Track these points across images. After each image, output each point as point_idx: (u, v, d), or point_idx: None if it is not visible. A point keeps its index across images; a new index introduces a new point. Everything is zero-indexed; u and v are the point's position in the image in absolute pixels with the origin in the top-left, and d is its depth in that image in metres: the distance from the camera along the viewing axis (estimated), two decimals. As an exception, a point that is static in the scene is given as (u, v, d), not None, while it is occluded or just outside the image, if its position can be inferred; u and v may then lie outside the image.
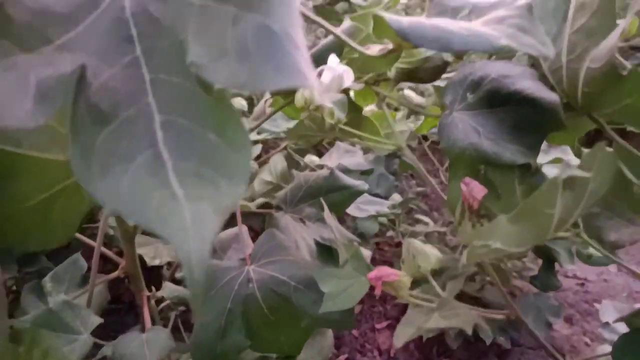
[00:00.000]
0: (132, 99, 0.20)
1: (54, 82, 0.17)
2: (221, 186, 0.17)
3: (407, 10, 1.74)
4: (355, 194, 0.67)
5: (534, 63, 0.39)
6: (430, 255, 0.38)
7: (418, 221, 1.53)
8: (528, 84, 0.34)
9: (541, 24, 0.38)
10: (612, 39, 0.29)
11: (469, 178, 0.36)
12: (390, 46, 0.28)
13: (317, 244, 0.61)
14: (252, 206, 0.56)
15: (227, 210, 0.17)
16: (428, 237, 1.33)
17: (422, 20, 0.24)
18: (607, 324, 0.68)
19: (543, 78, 0.38)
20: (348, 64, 0.43)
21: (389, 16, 0.24)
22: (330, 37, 0.43)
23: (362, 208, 0.95)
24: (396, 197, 1.46)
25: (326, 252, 0.60)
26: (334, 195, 0.66)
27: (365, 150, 1.03)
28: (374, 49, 0.28)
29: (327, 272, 0.40)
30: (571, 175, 0.24)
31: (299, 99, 0.40)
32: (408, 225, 1.43)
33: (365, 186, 0.69)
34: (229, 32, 0.18)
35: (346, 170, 0.81)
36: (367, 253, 0.52)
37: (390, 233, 1.46)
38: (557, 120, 0.32)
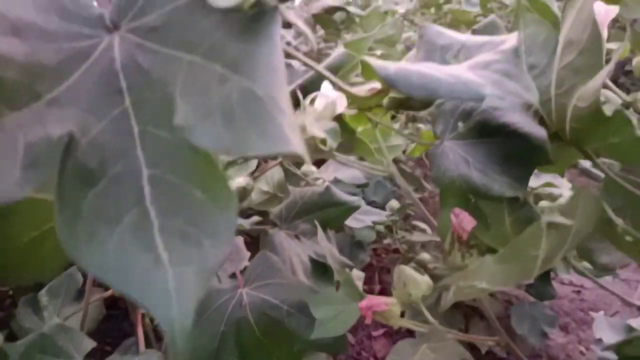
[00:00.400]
0: (121, 153, 0.20)
1: (42, 148, 0.17)
2: (205, 247, 0.17)
3: (406, 17, 1.74)
4: (351, 209, 0.68)
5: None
6: (421, 282, 0.39)
7: (415, 227, 1.53)
8: (517, 118, 0.35)
9: (531, 55, 0.39)
10: (598, 80, 0.29)
11: (458, 209, 0.36)
12: (379, 86, 0.28)
13: (312, 260, 0.61)
14: (246, 224, 0.57)
15: (211, 272, 0.17)
16: (425, 247, 1.33)
17: (408, 67, 0.25)
18: (600, 340, 0.68)
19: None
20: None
21: (376, 63, 0.25)
22: (326, 62, 0.43)
23: (359, 219, 0.96)
24: (394, 204, 1.46)
25: (321, 269, 0.60)
26: (330, 211, 0.67)
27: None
28: (362, 89, 0.29)
29: (319, 297, 0.41)
30: (554, 222, 0.24)
31: (292, 125, 0.40)
32: (406, 232, 1.44)
33: (361, 202, 0.69)
34: (215, 91, 0.19)
35: (342, 184, 0.81)
36: (359, 275, 0.53)
37: (387, 240, 1.47)
38: (544, 156, 0.33)
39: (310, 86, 0.44)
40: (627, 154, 0.30)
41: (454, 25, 2.05)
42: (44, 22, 0.21)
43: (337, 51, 0.43)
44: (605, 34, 0.45)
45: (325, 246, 0.46)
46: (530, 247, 0.26)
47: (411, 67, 0.25)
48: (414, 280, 0.38)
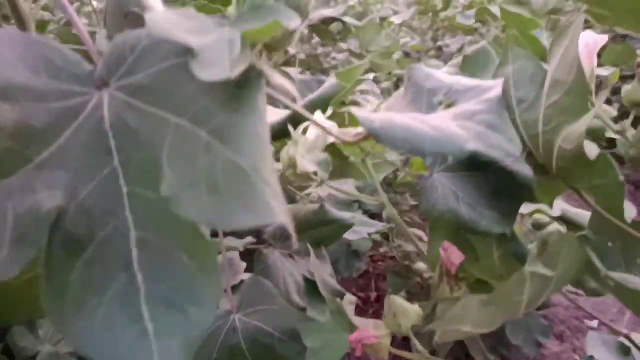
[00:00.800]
0: (110, 215, 0.20)
1: (31, 222, 0.18)
2: (191, 315, 0.18)
3: (402, 28, 1.75)
4: (345, 227, 0.68)
5: (513, 125, 0.40)
6: (411, 312, 0.39)
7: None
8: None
9: (519, 89, 0.39)
10: (582, 125, 0.29)
11: (447, 243, 0.37)
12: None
13: (306, 280, 0.62)
14: (240, 245, 0.57)
15: (196, 341, 0.18)
16: (422, 256, 1.34)
17: (393, 119, 0.25)
18: (591, 357, 0.69)
19: (521, 141, 0.39)
20: (333, 118, 0.44)
21: (361, 116, 0.25)
22: (315, 94, 0.43)
23: (355, 230, 0.96)
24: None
25: (314, 289, 0.61)
26: (324, 229, 0.67)
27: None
28: (349, 134, 0.29)
29: (310, 325, 0.41)
30: (536, 272, 0.25)
31: (283, 157, 0.40)
32: (403, 242, 1.44)
33: (355, 219, 0.70)
34: (201, 160, 0.19)
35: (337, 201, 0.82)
36: (352, 300, 0.53)
37: (384, 249, 1.47)
38: (530, 194, 0.33)
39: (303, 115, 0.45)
40: (610, 196, 0.31)
41: (452, 31, 2.05)
42: (34, 82, 0.22)
43: (329, 81, 0.43)
44: (595, 61, 0.46)
45: (317, 273, 0.46)
46: (514, 294, 0.26)
47: (396, 120, 0.25)
48: (404, 311, 0.39)
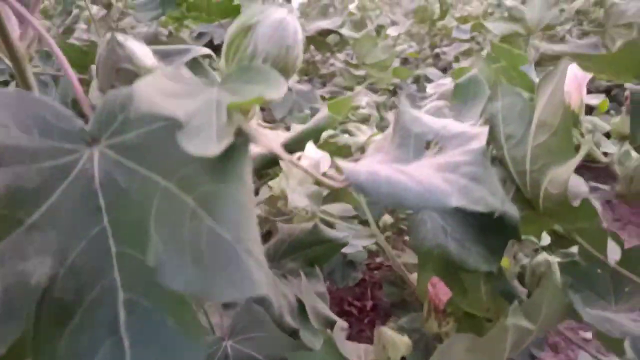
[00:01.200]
0: (98, 276, 0.21)
1: (20, 295, 0.18)
2: (176, 381, 0.18)
3: (397, 42, 1.75)
4: (339, 246, 0.69)
5: (501, 160, 0.41)
6: (400, 344, 0.40)
7: (407, 243, 1.54)
8: (492, 193, 0.36)
9: (508, 125, 0.40)
10: (567, 172, 0.30)
11: (435, 278, 0.37)
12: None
13: (299, 301, 0.62)
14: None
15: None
16: (417, 266, 1.34)
17: (378, 172, 0.26)
18: (582, 375, 0.69)
19: (509, 176, 0.39)
20: (324, 148, 0.45)
21: (347, 168, 0.26)
22: (306, 126, 0.44)
23: (352, 243, 0.97)
24: (387, 219, 1.47)
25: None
26: (318, 248, 0.68)
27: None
28: (338, 180, 0.30)
29: (300, 355, 0.42)
30: (518, 325, 0.25)
31: (275, 189, 0.41)
32: (400, 252, 1.44)
33: (349, 238, 0.70)
34: (186, 227, 0.20)
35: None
36: (343, 325, 0.54)
37: (380, 258, 1.48)
38: (516, 234, 0.34)
39: (295, 145, 0.45)
40: (594, 239, 0.31)
41: (449, 37, 2.06)
42: (26, 143, 0.22)
43: (320, 113, 0.44)
44: (584, 92, 0.46)
45: (308, 302, 0.47)
46: (497, 343, 0.27)
47: (381, 173, 0.26)
48: (393, 343, 0.39)
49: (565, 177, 0.30)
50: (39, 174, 0.22)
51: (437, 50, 2.09)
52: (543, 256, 0.45)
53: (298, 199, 0.38)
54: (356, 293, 1.54)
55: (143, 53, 0.25)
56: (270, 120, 1.43)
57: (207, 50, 0.50)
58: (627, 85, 0.47)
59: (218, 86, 0.23)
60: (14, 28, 0.34)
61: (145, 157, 0.22)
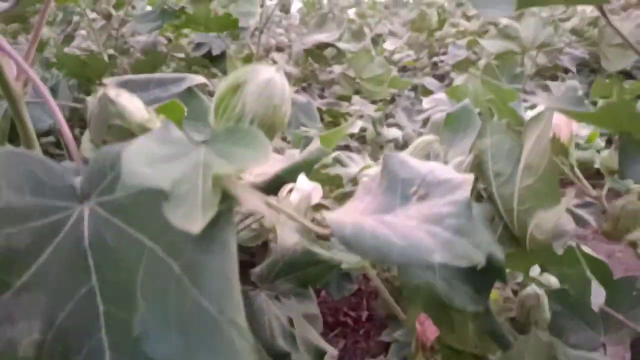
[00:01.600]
0: (85, 336, 0.21)
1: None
2: None
3: (393, 57, 1.76)
4: (333, 267, 0.69)
5: (490, 196, 0.41)
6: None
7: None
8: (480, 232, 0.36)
9: (496, 163, 0.40)
10: (552, 220, 0.30)
11: (423, 316, 0.38)
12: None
13: (291, 323, 0.63)
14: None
15: None
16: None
17: (364, 225, 0.26)
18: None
19: (498, 213, 0.40)
20: (316, 179, 0.45)
21: (333, 221, 0.26)
22: (298, 158, 0.44)
23: (346, 260, 0.97)
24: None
25: (300, 331, 0.62)
26: (311, 269, 0.68)
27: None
28: (327, 230, 0.30)
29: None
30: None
31: (266, 224, 0.41)
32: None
33: (342, 259, 0.71)
34: (172, 294, 0.20)
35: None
36: (333, 354, 0.54)
37: (376, 270, 1.48)
38: (501, 276, 0.34)
39: (287, 177, 0.46)
40: (576, 285, 0.32)
41: (447, 46, 2.06)
42: (18, 202, 0.23)
43: (313, 145, 0.44)
44: (573, 125, 0.47)
45: (299, 331, 0.47)
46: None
47: (366, 226, 0.26)
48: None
49: (549, 226, 0.30)
50: (30, 233, 0.23)
51: (435, 58, 2.10)
52: (532, 288, 0.46)
53: (288, 236, 0.38)
54: (352, 303, 1.55)
55: (134, 107, 0.26)
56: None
57: (202, 79, 0.51)
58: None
59: (206, 146, 0.24)
60: (10, 69, 0.35)
61: (134, 217, 0.23)
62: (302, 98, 1.30)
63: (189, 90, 0.49)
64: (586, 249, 0.58)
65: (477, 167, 0.42)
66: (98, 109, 0.25)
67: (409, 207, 0.31)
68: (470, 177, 0.31)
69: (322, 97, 1.67)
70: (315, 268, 0.69)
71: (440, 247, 0.26)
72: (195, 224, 0.19)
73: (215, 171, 0.20)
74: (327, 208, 0.47)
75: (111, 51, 1.45)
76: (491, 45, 0.97)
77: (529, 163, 0.35)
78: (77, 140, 0.30)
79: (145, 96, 0.49)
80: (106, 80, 0.47)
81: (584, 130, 0.52)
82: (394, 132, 1.23)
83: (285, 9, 1.26)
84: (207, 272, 0.20)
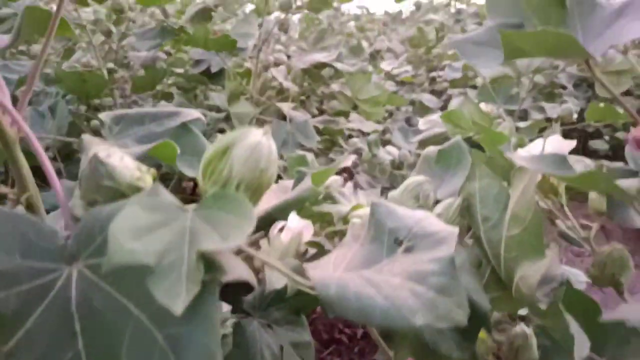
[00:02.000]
0: (71, 402, 0.22)
1: None
2: None
3: (392, 71, 1.77)
4: (325, 294, 0.70)
5: (478, 238, 0.42)
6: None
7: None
8: (467, 280, 0.37)
9: (484, 207, 0.41)
10: (537, 275, 0.31)
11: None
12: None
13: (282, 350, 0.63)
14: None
15: None
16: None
17: (348, 285, 0.27)
18: None
19: (485, 256, 0.40)
20: (307, 215, 0.46)
21: (317, 280, 0.27)
22: (289, 196, 0.45)
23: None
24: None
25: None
26: (304, 297, 0.68)
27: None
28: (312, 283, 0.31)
29: None
30: None
31: (256, 261, 0.42)
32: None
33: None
34: (156, 365, 0.21)
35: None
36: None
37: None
38: (486, 324, 0.35)
39: (278, 214, 0.46)
40: (561, 337, 0.32)
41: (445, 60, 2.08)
42: (7, 265, 0.23)
43: (304, 184, 0.45)
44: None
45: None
46: None
47: (351, 285, 0.27)
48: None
49: (533, 282, 0.31)
50: (18, 297, 0.23)
51: (433, 73, 2.12)
52: (521, 327, 0.46)
53: (276, 281, 0.39)
54: (347, 320, 1.54)
55: (125, 167, 0.26)
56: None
57: (197, 114, 0.51)
58: (605, 162, 0.48)
59: (193, 210, 0.24)
60: (5, 115, 0.35)
61: (121, 282, 0.23)
62: (300, 115, 1.31)
63: (184, 125, 0.49)
64: (580, 282, 0.58)
65: (466, 210, 0.43)
66: (89, 170, 0.26)
67: (395, 258, 0.31)
68: (455, 230, 0.31)
69: (320, 110, 1.69)
70: (307, 297, 0.69)
71: (423, 307, 0.26)
72: (178, 302, 0.19)
73: (200, 247, 0.21)
74: (318, 245, 0.47)
75: (111, 65, 1.46)
76: (486, 70, 0.97)
77: (516, 213, 0.35)
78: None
79: (140, 131, 0.49)
80: (102, 115, 0.48)
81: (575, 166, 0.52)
82: (389, 151, 1.24)
83: (284, 28, 1.27)
84: (190, 345, 0.20)
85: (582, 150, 2.06)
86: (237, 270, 0.23)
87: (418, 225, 0.33)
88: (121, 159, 0.26)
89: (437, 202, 0.48)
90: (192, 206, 0.25)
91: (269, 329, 0.65)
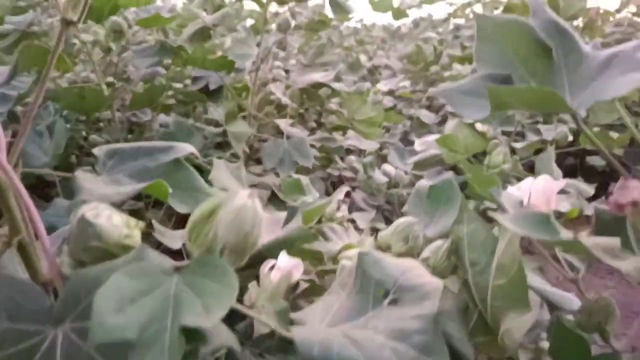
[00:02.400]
0: None
1: None
2: None
3: (389, 91, 1.78)
4: (317, 321, 0.70)
5: (466, 281, 0.42)
6: None
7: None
8: (452, 328, 0.37)
9: (472, 252, 0.41)
10: (520, 332, 0.31)
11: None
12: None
13: (275, 381, 0.63)
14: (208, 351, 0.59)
15: None
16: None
17: (332, 344, 0.27)
18: None
19: (473, 300, 0.41)
20: (297, 253, 0.46)
21: (300, 339, 0.27)
22: (280, 235, 0.45)
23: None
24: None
25: (283, 390, 0.62)
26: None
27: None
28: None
29: None
30: None
31: (246, 301, 0.42)
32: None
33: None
34: None
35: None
36: None
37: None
38: (473, 376, 0.35)
39: (269, 252, 0.47)
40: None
41: (444, 80, 2.09)
42: (-6, 330, 0.24)
43: (294, 223, 0.45)
44: (552, 205, 0.48)
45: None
46: None
47: (333, 346, 0.27)
48: None
49: (517, 337, 0.31)
50: (4, 361, 0.23)
51: (431, 89, 2.12)
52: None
53: (267, 319, 0.39)
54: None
55: (112, 226, 0.27)
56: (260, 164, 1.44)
57: (191, 149, 0.52)
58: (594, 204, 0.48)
59: (178, 275, 0.25)
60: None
61: (104, 348, 0.23)
62: (297, 132, 1.31)
63: (177, 161, 0.50)
64: (572, 304, 0.59)
65: (455, 252, 0.43)
66: (77, 230, 0.26)
67: (381, 311, 0.32)
68: (440, 284, 0.32)
69: (318, 123, 1.69)
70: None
71: (406, 369, 0.27)
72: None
73: (182, 322, 0.21)
74: (310, 281, 0.48)
75: (110, 79, 1.46)
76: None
77: (501, 263, 0.36)
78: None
79: (133, 166, 0.50)
80: (95, 150, 0.48)
81: (564, 203, 0.53)
82: (386, 170, 1.24)
83: (282, 46, 1.28)
84: None
85: (579, 165, 2.07)
86: (219, 338, 0.23)
87: (404, 277, 0.33)
88: (109, 218, 0.27)
89: (427, 240, 0.48)
90: (179, 266, 0.25)
91: (261, 359, 0.65)
